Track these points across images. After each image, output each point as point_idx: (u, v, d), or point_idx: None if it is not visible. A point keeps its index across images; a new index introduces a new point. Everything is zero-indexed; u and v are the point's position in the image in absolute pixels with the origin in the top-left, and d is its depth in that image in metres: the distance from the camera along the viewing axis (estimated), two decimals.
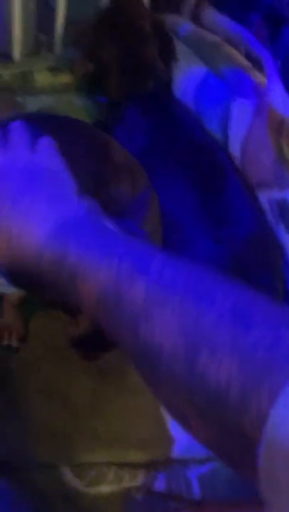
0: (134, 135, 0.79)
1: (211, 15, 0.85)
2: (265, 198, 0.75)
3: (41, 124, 0.72)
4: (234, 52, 0.89)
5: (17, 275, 0.44)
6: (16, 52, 0.97)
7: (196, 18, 0.93)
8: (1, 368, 0.63)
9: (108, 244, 0.38)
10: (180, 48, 0.90)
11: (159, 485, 0.60)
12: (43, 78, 0.95)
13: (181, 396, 0.30)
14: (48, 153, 0.45)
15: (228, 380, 0.28)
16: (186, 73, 0.86)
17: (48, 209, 0.41)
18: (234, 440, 0.28)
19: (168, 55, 0.85)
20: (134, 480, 0.60)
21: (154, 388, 0.33)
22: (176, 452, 0.63)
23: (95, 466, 0.60)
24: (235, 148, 0.78)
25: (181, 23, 0.95)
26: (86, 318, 0.56)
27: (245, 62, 0.88)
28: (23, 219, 0.41)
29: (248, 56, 0.88)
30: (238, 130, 0.78)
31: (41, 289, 0.47)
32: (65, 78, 0.94)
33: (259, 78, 0.82)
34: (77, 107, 0.91)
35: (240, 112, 0.79)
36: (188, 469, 0.62)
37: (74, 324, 0.60)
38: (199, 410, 0.29)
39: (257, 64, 0.83)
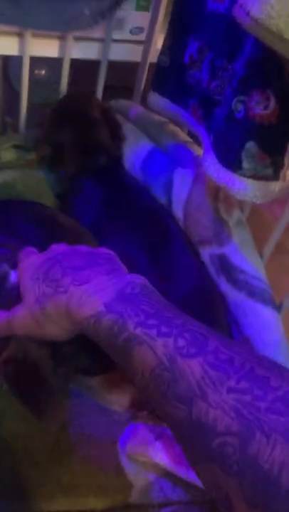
0: (90, 205, 0.87)
1: (156, 99, 0.97)
2: (207, 253, 0.81)
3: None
4: (177, 129, 1.00)
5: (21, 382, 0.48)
6: None
7: (143, 102, 1.06)
8: None
9: (164, 317, 0.40)
10: (130, 128, 1.00)
11: None
12: (8, 155, 1.03)
13: (230, 476, 0.30)
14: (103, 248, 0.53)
15: (281, 464, 0.28)
16: (135, 149, 0.95)
17: (107, 280, 0.44)
18: None
19: (116, 135, 0.95)
20: None
21: (199, 465, 0.33)
22: (134, 498, 0.63)
23: None
24: (178, 211, 0.86)
25: (131, 107, 1.07)
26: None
27: (186, 138, 0.98)
28: (85, 288, 0.44)
29: (190, 133, 0.99)
30: (180, 195, 0.86)
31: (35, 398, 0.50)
32: (28, 155, 1.03)
33: (198, 151, 0.93)
34: (39, 180, 0.99)
35: (181, 180, 0.87)
36: None
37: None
38: (247, 492, 0.29)
39: (197, 139, 0.93)
